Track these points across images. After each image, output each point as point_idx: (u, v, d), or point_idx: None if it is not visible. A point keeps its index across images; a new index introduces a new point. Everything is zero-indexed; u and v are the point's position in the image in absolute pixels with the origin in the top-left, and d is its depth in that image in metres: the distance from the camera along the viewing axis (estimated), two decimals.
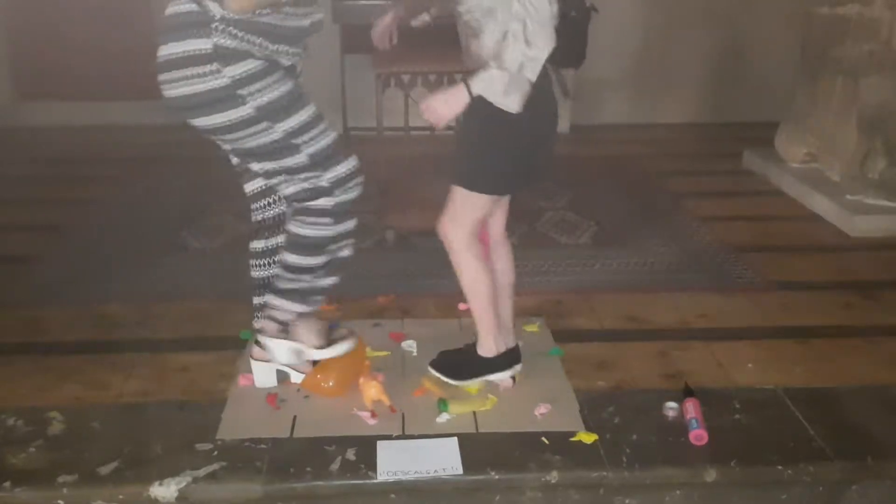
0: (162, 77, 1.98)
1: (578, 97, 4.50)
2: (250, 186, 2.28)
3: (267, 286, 2.29)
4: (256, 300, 2.36)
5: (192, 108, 1.97)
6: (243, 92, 1.94)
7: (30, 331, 2.71)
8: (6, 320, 2.77)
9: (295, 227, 2.14)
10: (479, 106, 1.99)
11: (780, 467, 2.08)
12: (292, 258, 2.16)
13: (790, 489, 2.11)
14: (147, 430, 2.17)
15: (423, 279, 3.08)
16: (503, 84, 1.95)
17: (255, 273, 2.35)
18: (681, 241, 3.56)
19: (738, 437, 2.18)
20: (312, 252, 2.15)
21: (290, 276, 2.18)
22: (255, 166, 2.12)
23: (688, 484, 2.08)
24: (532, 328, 2.73)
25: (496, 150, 2.10)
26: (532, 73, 1.95)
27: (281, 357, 2.26)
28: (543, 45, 1.92)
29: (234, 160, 2.22)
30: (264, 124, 1.99)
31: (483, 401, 2.27)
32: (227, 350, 2.57)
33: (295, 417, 2.21)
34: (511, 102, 1.98)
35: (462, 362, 2.35)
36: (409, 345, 2.61)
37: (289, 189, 2.11)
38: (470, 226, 2.17)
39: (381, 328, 2.74)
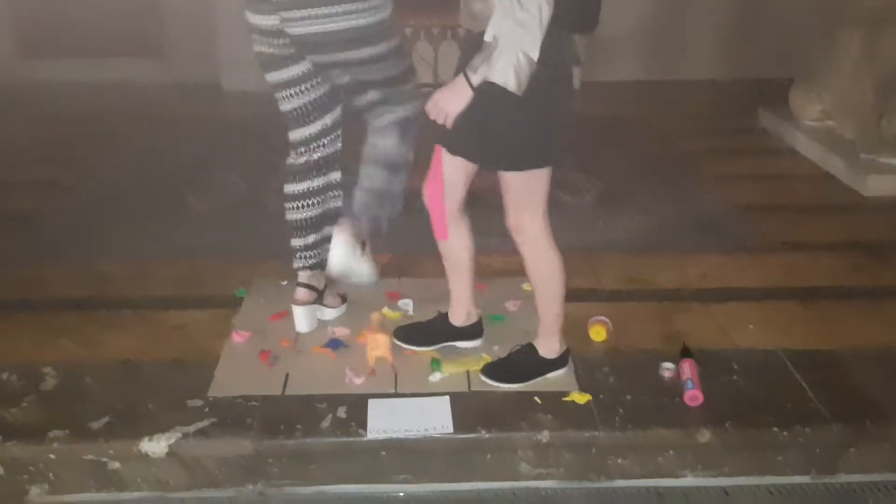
0: (316, 11, 2.04)
1: (589, 53, 4.39)
2: (314, 127, 2.32)
3: (317, 225, 2.39)
4: (299, 241, 2.39)
5: (357, 39, 2.11)
6: (391, 27, 2.17)
7: (26, 287, 2.71)
8: (3, 276, 2.77)
9: (383, 142, 2.31)
10: (487, 88, 1.80)
11: (775, 429, 2.05)
12: (381, 174, 2.33)
13: (786, 451, 2.09)
14: (139, 386, 2.17)
15: (422, 240, 3.04)
16: (505, 65, 1.74)
17: (305, 213, 2.37)
18: (688, 201, 3.49)
19: (734, 398, 2.15)
20: (395, 166, 2.34)
21: (377, 193, 2.34)
22: (371, 95, 2.28)
23: (682, 445, 2.06)
24: (530, 287, 2.69)
25: (526, 121, 1.90)
26: (530, 44, 1.74)
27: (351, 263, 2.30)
28: (536, 11, 1.71)
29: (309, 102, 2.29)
30: (399, 55, 2.22)
31: (476, 360, 2.25)
32: (223, 308, 2.56)
33: (287, 375, 2.21)
34: (512, 79, 1.76)
35: (520, 364, 2.22)
36: (406, 303, 2.58)
37: (389, 112, 2.29)
38: (541, 208, 2.03)
39: (378, 286, 2.71)
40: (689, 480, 2.10)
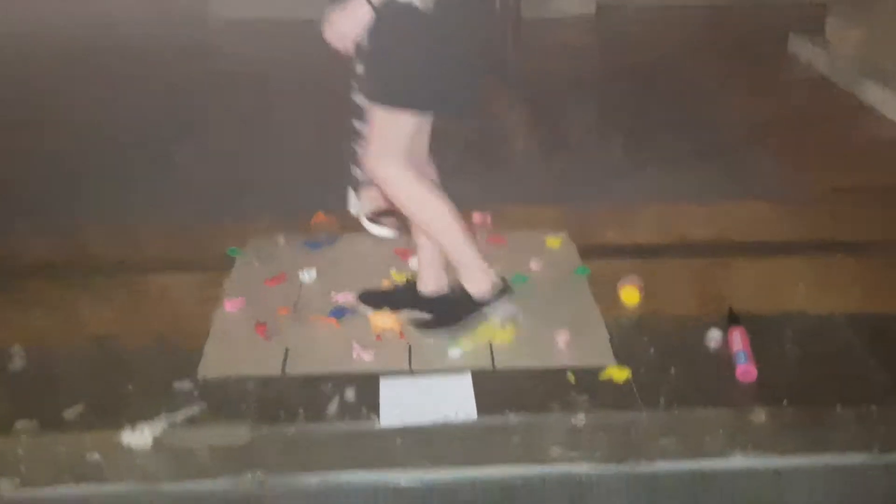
0: None
1: None
2: None
3: None
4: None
5: None
6: None
7: None
8: None
9: None
10: (384, 10, 1.62)
11: (838, 407, 1.82)
12: None
13: (846, 429, 1.86)
14: (118, 366, 1.92)
15: None
16: None
17: None
18: (720, 145, 3.19)
19: (789, 371, 1.91)
20: None
21: None
22: None
23: (732, 425, 1.83)
24: (554, 243, 2.43)
25: (413, 57, 1.70)
26: None
27: None
28: None
29: None
30: None
31: (500, 331, 2.00)
32: (212, 270, 2.29)
33: (287, 351, 1.95)
34: None
35: (452, 308, 2.00)
36: (416, 263, 2.31)
37: None
38: (399, 156, 1.80)
39: (384, 243, 2.44)
40: (737, 461, 1.87)
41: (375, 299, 2.10)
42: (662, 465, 1.87)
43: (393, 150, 1.80)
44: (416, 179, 1.84)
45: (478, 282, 1.95)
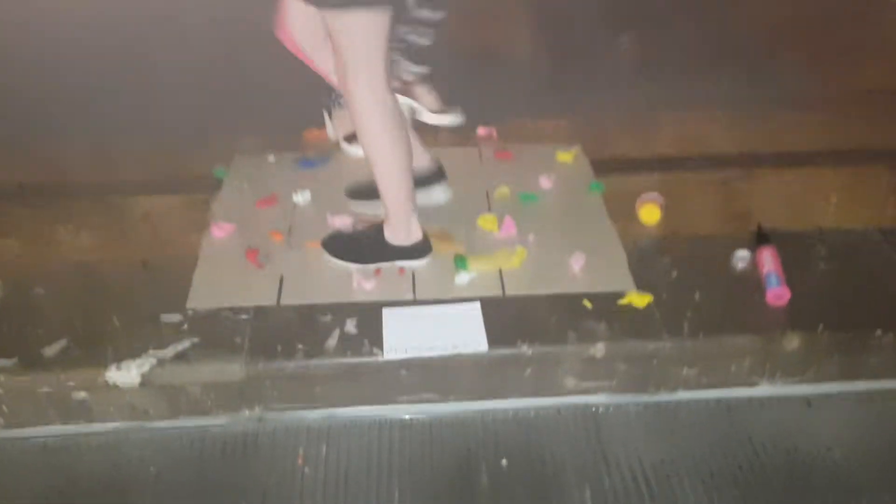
0: None
1: None
2: None
3: None
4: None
5: None
6: None
7: None
8: None
9: None
10: None
11: (878, 331, 1.69)
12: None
13: (882, 353, 1.74)
14: (102, 297, 1.78)
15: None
16: None
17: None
18: (743, 47, 2.95)
19: (823, 293, 1.78)
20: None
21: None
22: None
23: (762, 352, 1.71)
24: (566, 157, 2.26)
25: None
26: None
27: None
28: None
29: None
30: None
31: (510, 255, 1.85)
32: (198, 193, 2.13)
33: (282, 279, 1.81)
34: None
35: (365, 245, 1.85)
36: None
37: None
38: (378, 68, 1.60)
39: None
40: (765, 390, 1.77)
41: (338, 247, 1.88)
42: (684, 395, 1.76)
43: (366, 66, 1.58)
44: (389, 113, 1.64)
45: (397, 236, 1.81)
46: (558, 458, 1.65)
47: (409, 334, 1.66)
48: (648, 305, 1.73)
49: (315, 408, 1.72)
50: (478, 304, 1.73)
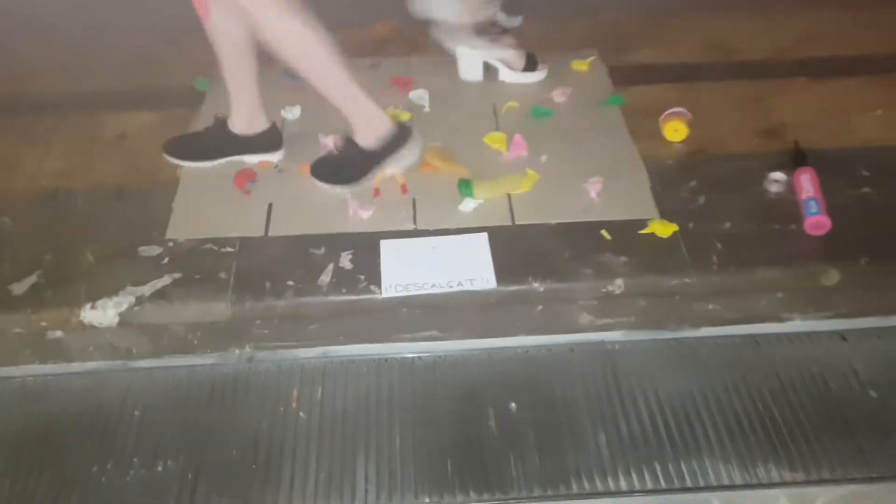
0: None
1: None
2: None
3: None
4: None
5: None
6: None
7: None
8: None
9: None
10: None
11: None
12: None
13: None
14: (73, 228, 1.63)
15: None
16: None
17: None
18: None
19: (866, 220, 1.61)
20: None
21: None
22: None
23: (797, 287, 1.56)
24: (582, 66, 2.05)
25: None
26: None
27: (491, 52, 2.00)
28: None
29: None
30: None
31: (519, 179, 1.68)
32: (177, 107, 1.94)
33: (271, 207, 1.65)
34: None
35: (350, 162, 1.70)
36: (420, 96, 1.95)
37: None
38: None
39: (380, 71, 2.06)
40: (796, 325, 1.63)
41: (183, 148, 1.77)
42: (708, 331, 1.63)
43: None
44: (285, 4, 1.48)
45: (367, 133, 1.65)
46: (571, 400, 1.53)
47: (409, 269, 1.51)
48: (673, 236, 1.57)
49: (309, 346, 1.60)
50: (485, 236, 1.57)
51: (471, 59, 1.98)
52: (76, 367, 1.58)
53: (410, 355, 1.61)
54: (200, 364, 1.59)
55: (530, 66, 2.01)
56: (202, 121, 1.88)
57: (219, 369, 1.59)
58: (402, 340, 1.60)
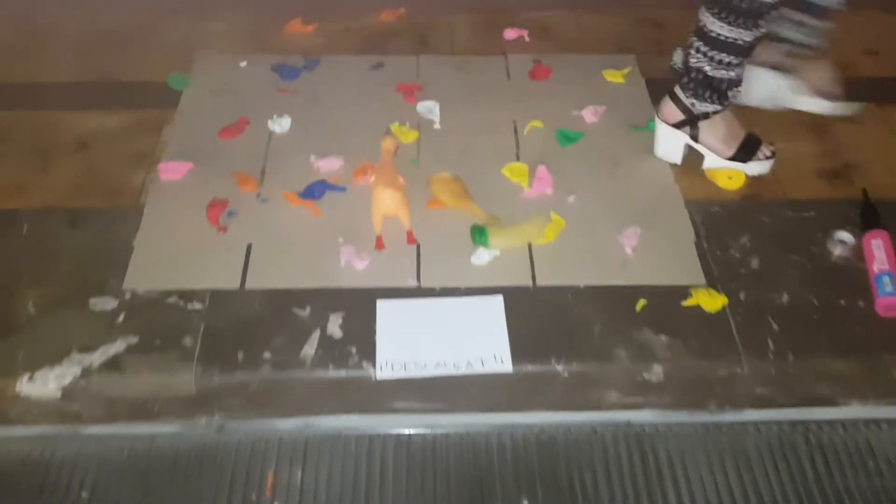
0: None
1: None
2: None
3: None
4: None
5: None
6: None
7: None
8: None
9: None
10: None
11: None
12: None
13: None
14: (15, 265, 1.38)
15: None
16: None
17: None
18: None
19: None
20: None
21: None
22: None
23: (862, 376, 1.33)
24: (616, 77, 1.77)
25: None
26: None
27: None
28: None
29: None
30: None
31: (542, 225, 1.42)
32: (143, 109, 1.67)
33: (250, 249, 1.40)
34: None
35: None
36: (429, 108, 1.68)
37: None
38: None
39: (384, 73, 1.78)
40: (855, 411, 1.41)
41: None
42: (752, 415, 1.41)
43: None
44: None
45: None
46: (592, 493, 1.32)
47: (409, 340, 1.28)
48: (721, 310, 1.33)
49: (289, 416, 1.37)
50: (500, 300, 1.33)
51: (672, 139, 1.57)
52: (19, 431, 1.36)
53: (406, 431, 1.38)
54: (162, 433, 1.37)
55: (748, 150, 1.56)
56: (176, 130, 1.61)
57: (183, 440, 1.36)
58: (396, 411, 1.37)
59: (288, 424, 1.38)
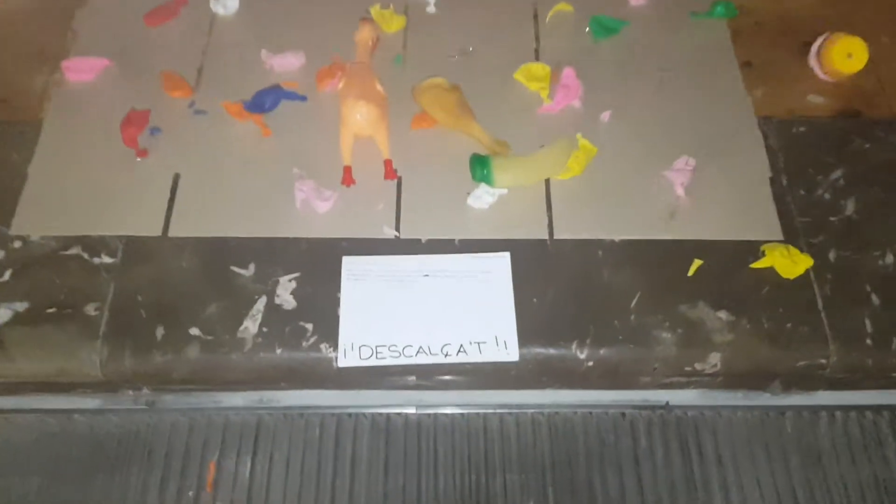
0: None
1: None
2: None
3: None
4: None
5: None
6: None
7: None
8: None
9: None
10: None
11: None
12: None
13: None
14: None
15: None
16: None
17: None
18: None
19: None
20: None
21: None
22: None
23: None
24: None
25: None
26: None
27: None
28: None
29: None
30: None
31: (565, 153, 1.06)
32: None
33: (177, 181, 1.07)
34: None
35: None
36: None
37: None
38: None
39: None
40: None
41: None
42: (826, 398, 1.11)
43: None
44: None
45: None
46: (617, 494, 1.05)
47: (383, 314, 0.96)
48: (804, 275, 0.99)
49: (237, 390, 1.09)
50: (506, 259, 1.00)
51: None
52: None
53: (384, 411, 1.10)
54: (80, 409, 1.10)
55: None
56: (89, 17, 1.23)
57: (105, 419, 1.10)
58: (373, 386, 1.08)
59: (236, 399, 1.10)
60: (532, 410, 1.10)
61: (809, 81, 1.17)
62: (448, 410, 1.10)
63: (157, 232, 1.02)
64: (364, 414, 1.10)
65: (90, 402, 1.10)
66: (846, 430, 1.10)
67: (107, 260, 1.00)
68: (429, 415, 1.10)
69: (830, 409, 1.11)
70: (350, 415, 1.10)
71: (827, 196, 1.06)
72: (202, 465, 1.06)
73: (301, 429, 1.09)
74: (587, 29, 1.22)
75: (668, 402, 1.10)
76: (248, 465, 1.06)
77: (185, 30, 1.22)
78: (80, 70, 1.16)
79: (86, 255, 1.01)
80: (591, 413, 1.10)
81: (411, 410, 1.10)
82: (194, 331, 0.95)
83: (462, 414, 1.10)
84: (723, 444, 1.08)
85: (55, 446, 1.08)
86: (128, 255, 1.00)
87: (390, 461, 1.07)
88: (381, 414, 1.10)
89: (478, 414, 1.10)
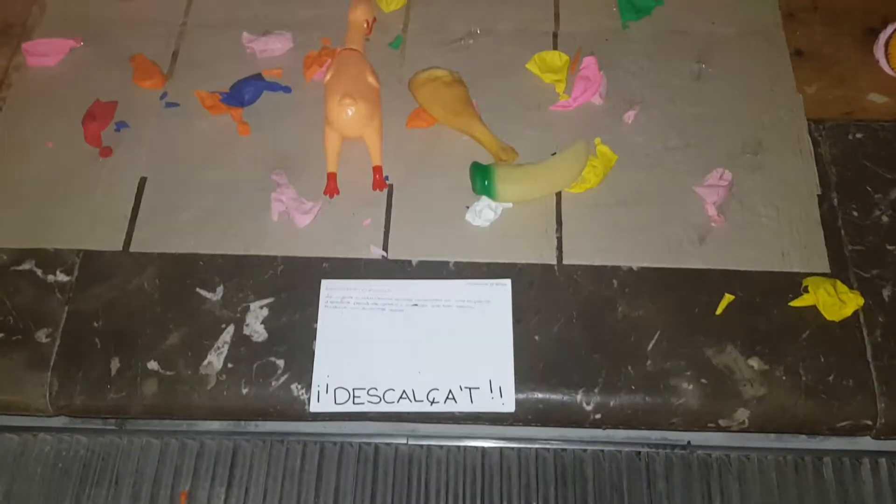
0: None
1: None
2: None
3: None
4: None
5: None
6: None
7: None
8: None
9: None
10: None
11: None
12: None
13: None
14: None
15: None
16: None
17: None
18: None
19: None
20: None
21: None
22: None
23: None
24: None
25: None
26: None
27: None
28: None
29: None
30: None
31: (578, 161, 0.92)
32: None
33: (143, 184, 0.95)
34: None
35: None
36: None
37: None
38: None
39: None
40: None
41: None
42: (870, 444, 0.98)
43: None
44: None
45: None
46: None
47: (362, 351, 0.85)
48: (853, 316, 0.85)
49: (203, 420, 1.00)
50: (507, 286, 0.87)
51: None
52: None
53: (377, 441, 1.01)
54: (45, 426, 1.02)
55: None
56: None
57: (71, 439, 1.01)
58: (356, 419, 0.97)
59: (211, 424, 1.01)
60: (537, 446, 0.99)
61: (872, 76, 1.01)
62: (443, 442, 1.00)
63: (118, 246, 0.91)
64: (350, 443, 1.00)
65: (55, 420, 1.02)
66: (892, 479, 0.98)
67: (62, 278, 0.90)
68: (421, 446, 1.00)
69: (874, 455, 0.98)
70: (335, 443, 1.00)
71: (885, 219, 0.91)
72: (173, 494, 0.98)
73: (280, 457, 1.00)
74: (614, 8, 1.06)
75: (689, 442, 0.99)
76: (222, 497, 0.98)
77: (162, 6, 1.09)
78: (42, 54, 1.04)
79: (39, 272, 0.90)
80: (602, 451, 0.99)
81: (402, 441, 1.00)
82: (153, 365, 0.85)
83: (458, 447, 1.00)
84: (750, 491, 0.96)
85: (18, 467, 1.00)
86: (84, 272, 0.90)
87: (377, 496, 0.98)
88: (368, 443, 1.00)
89: (476, 447, 1.00)
